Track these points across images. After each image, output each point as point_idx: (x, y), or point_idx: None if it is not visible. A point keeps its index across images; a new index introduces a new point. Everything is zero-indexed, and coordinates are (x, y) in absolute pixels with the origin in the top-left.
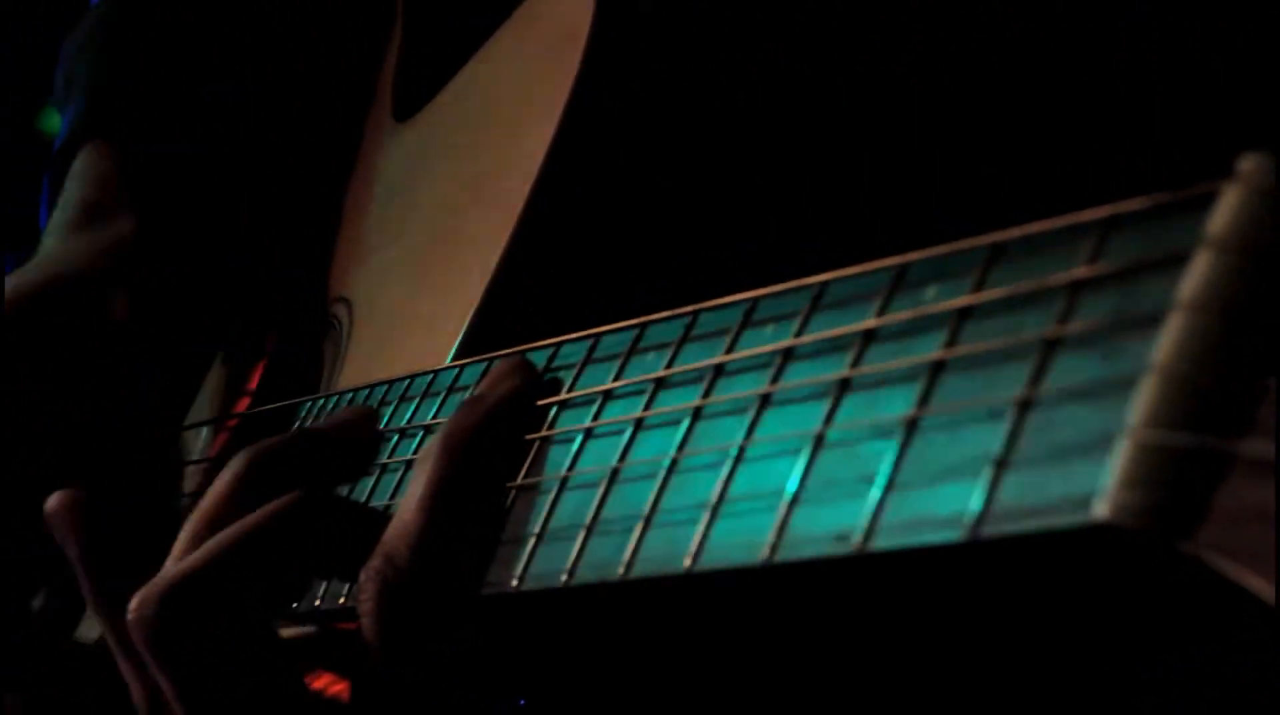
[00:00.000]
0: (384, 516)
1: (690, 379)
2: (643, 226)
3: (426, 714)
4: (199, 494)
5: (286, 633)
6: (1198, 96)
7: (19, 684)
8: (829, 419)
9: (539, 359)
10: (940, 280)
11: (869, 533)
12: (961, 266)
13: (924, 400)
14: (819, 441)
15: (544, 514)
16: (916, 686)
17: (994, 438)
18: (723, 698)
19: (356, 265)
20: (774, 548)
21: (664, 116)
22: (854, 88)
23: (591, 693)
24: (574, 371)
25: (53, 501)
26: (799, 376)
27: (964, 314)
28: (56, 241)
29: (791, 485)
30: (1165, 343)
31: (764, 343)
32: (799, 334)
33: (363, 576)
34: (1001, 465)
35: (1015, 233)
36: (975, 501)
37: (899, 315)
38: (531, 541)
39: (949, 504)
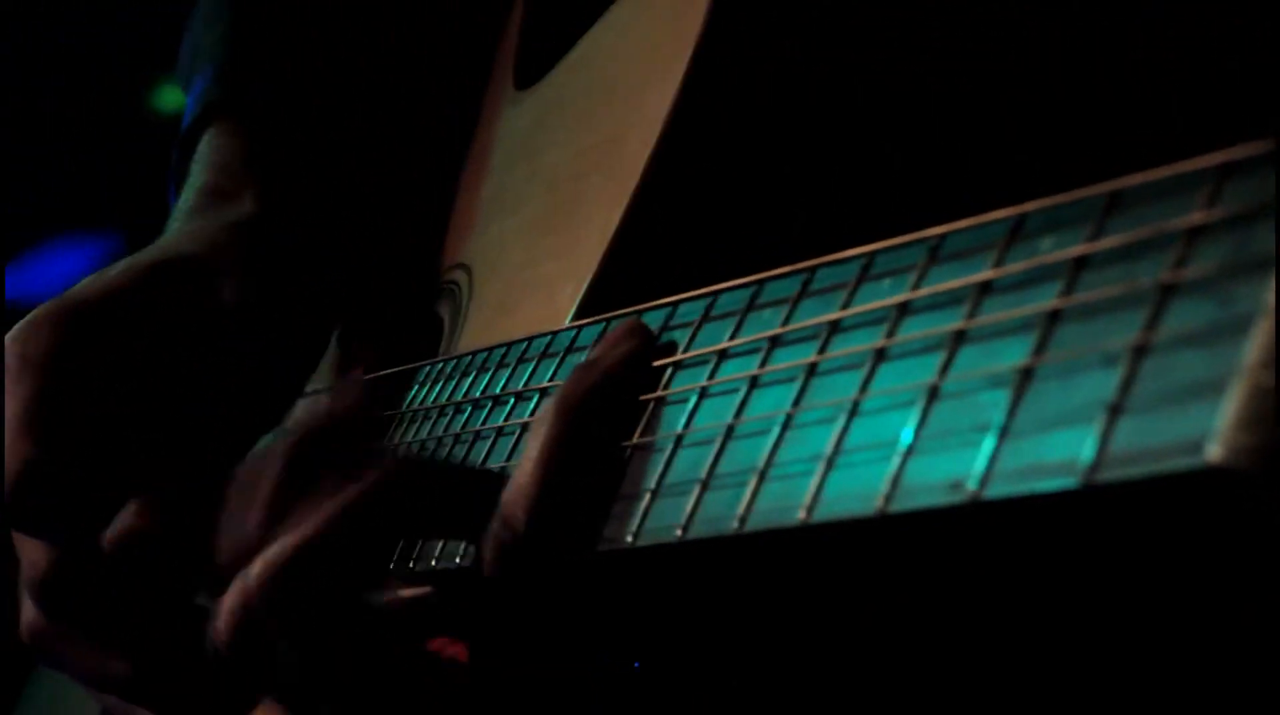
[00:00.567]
0: (500, 478)
1: (806, 336)
2: (762, 188)
3: (543, 676)
4: None
5: (405, 594)
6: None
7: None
8: (944, 371)
9: (656, 318)
10: (1056, 230)
11: (984, 480)
12: (1077, 216)
13: (1039, 349)
14: (933, 393)
15: (659, 471)
16: (1022, 643)
17: (1108, 384)
18: (830, 654)
19: (476, 232)
20: (888, 498)
21: (785, 80)
22: (977, 42)
23: (705, 654)
24: (691, 330)
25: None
26: (914, 329)
27: (1080, 263)
28: (178, 227)
29: (906, 436)
30: None
31: (880, 297)
32: (916, 287)
33: (481, 538)
34: (1115, 411)
35: (1131, 180)
36: (1089, 447)
37: (1015, 266)
38: (646, 497)
39: (1063, 450)
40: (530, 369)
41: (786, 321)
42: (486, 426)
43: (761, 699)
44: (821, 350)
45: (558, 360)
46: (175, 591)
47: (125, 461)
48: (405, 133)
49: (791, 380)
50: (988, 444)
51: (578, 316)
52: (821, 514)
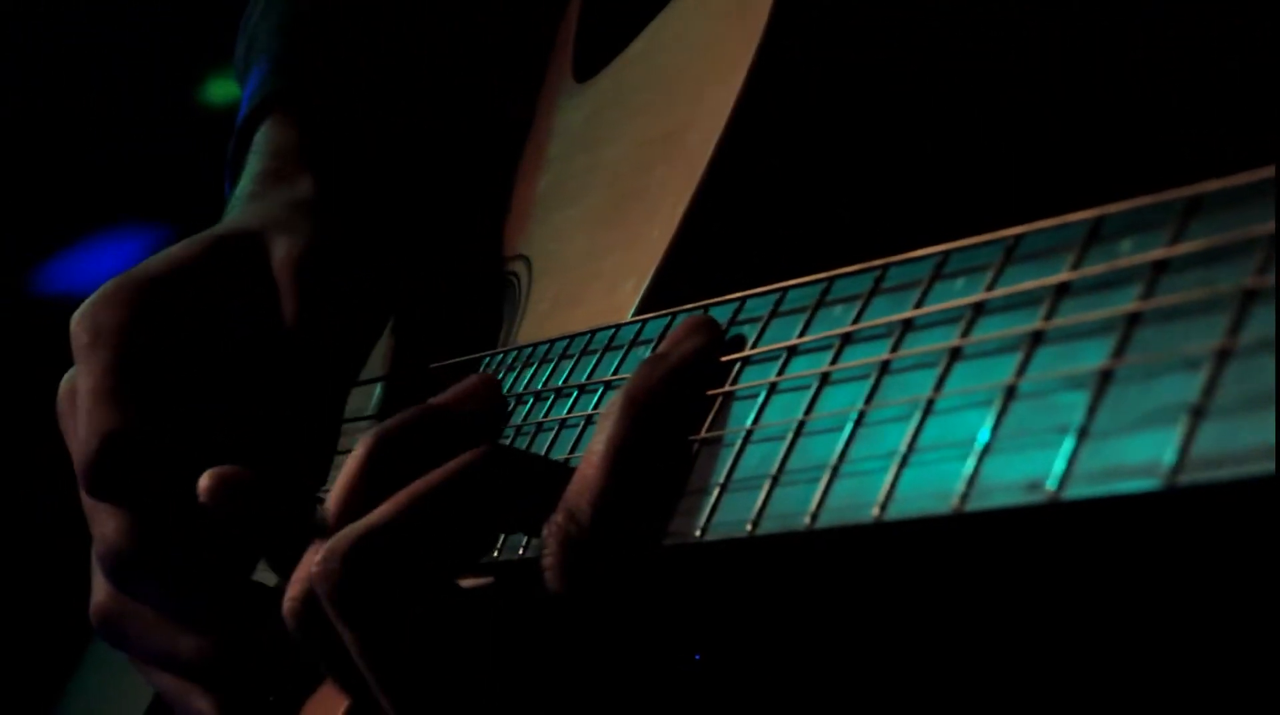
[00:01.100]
0: (565, 470)
1: (878, 334)
2: (828, 182)
3: (605, 667)
4: None
5: (466, 584)
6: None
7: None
8: (1021, 371)
9: (723, 313)
10: (1135, 233)
11: (1063, 481)
12: (1157, 219)
13: (1119, 351)
14: (1010, 392)
15: (728, 466)
16: (1094, 643)
17: (1190, 387)
18: (897, 652)
19: (535, 223)
20: (964, 497)
21: (849, 72)
22: (1040, 45)
23: (767, 648)
24: (759, 326)
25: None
26: (990, 330)
27: (1159, 266)
28: (237, 211)
29: (983, 435)
30: None
31: (954, 296)
32: (991, 287)
33: (545, 531)
34: (1198, 414)
35: (1213, 185)
36: (1171, 450)
37: (1094, 268)
38: (716, 492)
39: (1144, 452)
40: (594, 362)
41: (858, 319)
42: (549, 418)
43: (823, 694)
44: (895, 348)
45: (622, 353)
46: (248, 566)
47: (201, 428)
48: (462, 122)
49: (864, 377)
50: (1067, 445)
51: (640, 311)
52: (896, 511)
